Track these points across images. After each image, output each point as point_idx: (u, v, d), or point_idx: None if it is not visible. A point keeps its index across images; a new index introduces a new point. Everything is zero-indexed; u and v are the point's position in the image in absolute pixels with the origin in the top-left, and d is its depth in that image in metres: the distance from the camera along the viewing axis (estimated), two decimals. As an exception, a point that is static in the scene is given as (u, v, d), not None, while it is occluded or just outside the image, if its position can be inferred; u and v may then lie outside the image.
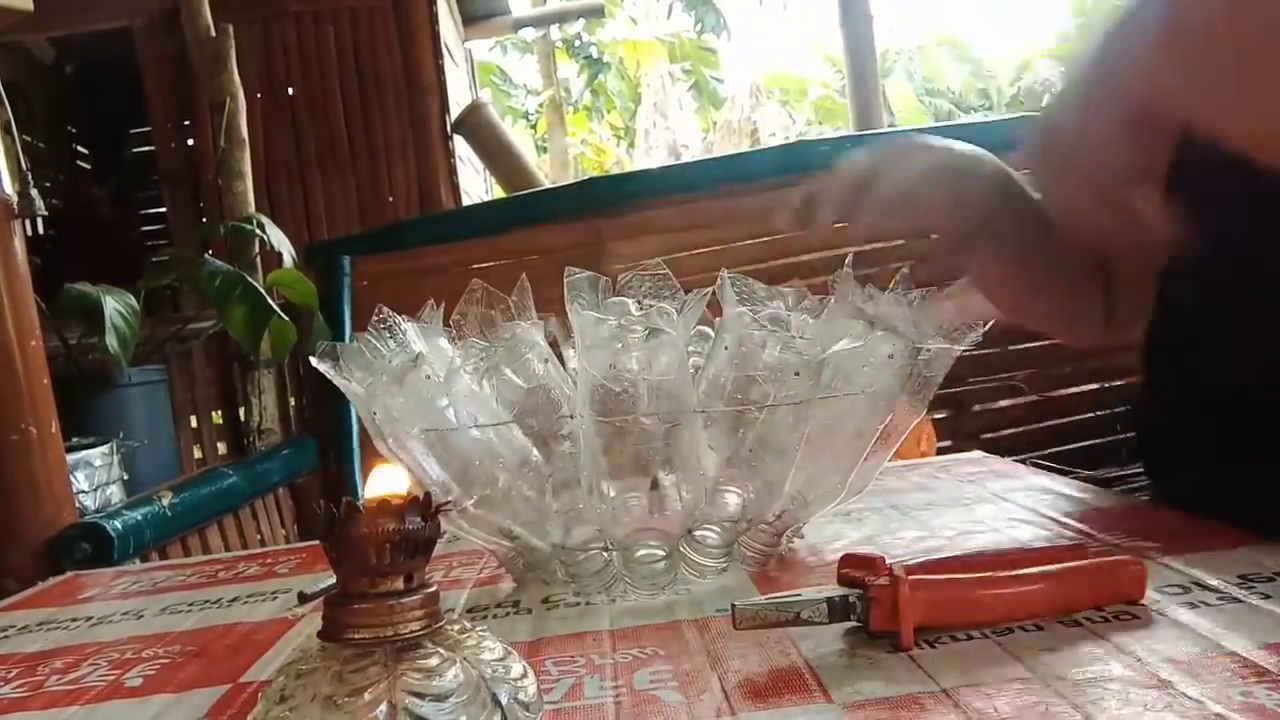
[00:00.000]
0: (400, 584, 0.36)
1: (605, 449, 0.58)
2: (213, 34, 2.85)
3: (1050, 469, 0.88)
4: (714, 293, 0.62)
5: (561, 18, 8.87)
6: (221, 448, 2.87)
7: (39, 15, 1.55)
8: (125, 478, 2.10)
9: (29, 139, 3.91)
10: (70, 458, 1.69)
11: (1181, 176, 0.50)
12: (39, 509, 1.42)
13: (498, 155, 4.34)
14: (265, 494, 2.18)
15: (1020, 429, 2.21)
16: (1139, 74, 0.48)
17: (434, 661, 0.36)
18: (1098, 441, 2.16)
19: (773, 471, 0.60)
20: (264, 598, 0.72)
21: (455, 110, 4.14)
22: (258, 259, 2.67)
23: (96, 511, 1.66)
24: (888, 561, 0.48)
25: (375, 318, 0.64)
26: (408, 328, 0.63)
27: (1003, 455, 0.95)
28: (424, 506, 0.37)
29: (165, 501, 1.61)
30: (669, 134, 12.80)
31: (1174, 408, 0.74)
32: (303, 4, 3.92)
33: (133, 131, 4.81)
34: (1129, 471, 2.01)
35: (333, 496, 0.36)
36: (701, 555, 0.62)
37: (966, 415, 2.25)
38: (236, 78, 2.82)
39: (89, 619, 0.72)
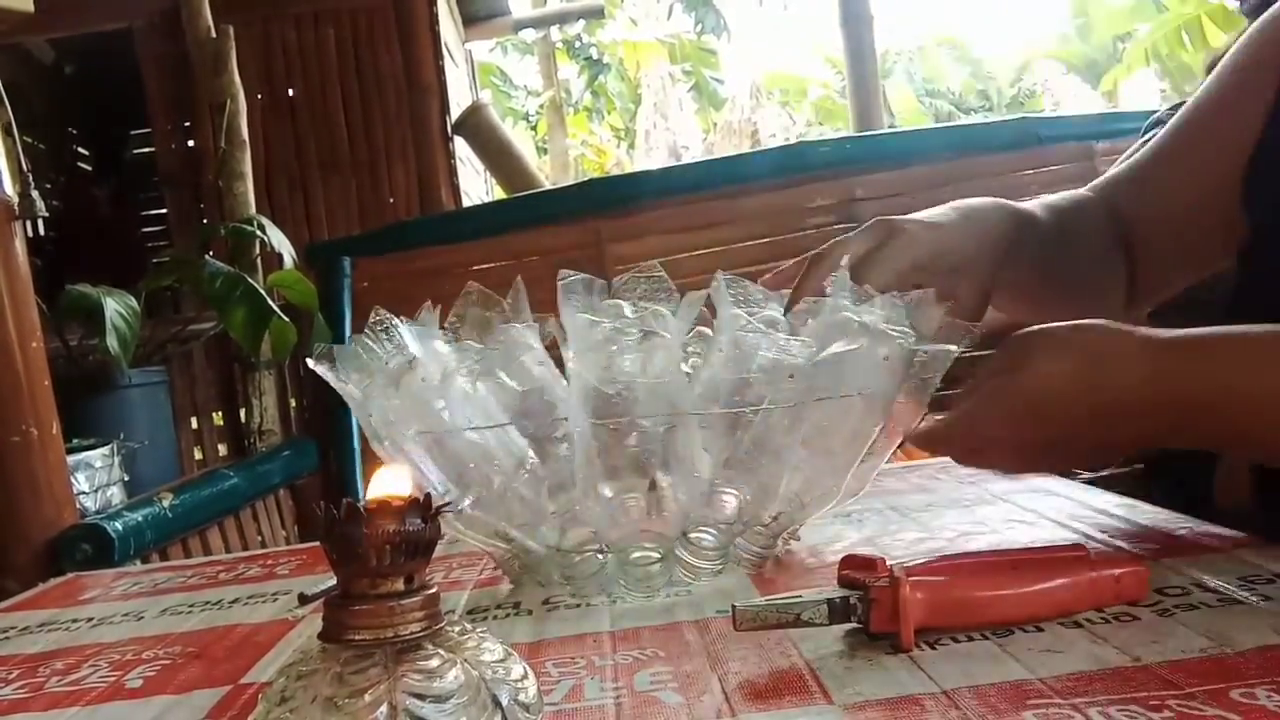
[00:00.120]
0: (400, 585, 0.36)
1: (601, 451, 0.58)
2: (213, 35, 2.85)
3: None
4: (710, 295, 0.62)
5: (562, 19, 8.87)
6: (222, 449, 2.88)
7: (39, 17, 1.55)
8: (126, 479, 2.10)
9: (30, 140, 3.91)
10: (71, 459, 1.69)
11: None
12: (40, 510, 1.42)
13: (498, 156, 4.33)
14: (266, 495, 2.18)
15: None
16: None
17: (434, 663, 0.36)
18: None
19: (768, 473, 0.60)
20: (264, 599, 0.72)
21: (455, 111, 4.14)
22: (258, 260, 2.67)
23: (97, 513, 1.66)
24: (888, 563, 0.48)
25: (372, 319, 0.64)
26: (403, 330, 0.63)
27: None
28: (424, 508, 0.37)
29: (166, 503, 1.61)
30: (669, 135, 12.80)
31: None
32: (303, 5, 3.92)
33: (133, 133, 4.81)
34: (1129, 471, 2.00)
35: (333, 498, 0.36)
36: (697, 557, 0.62)
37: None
38: (237, 79, 2.82)
39: (90, 620, 0.72)
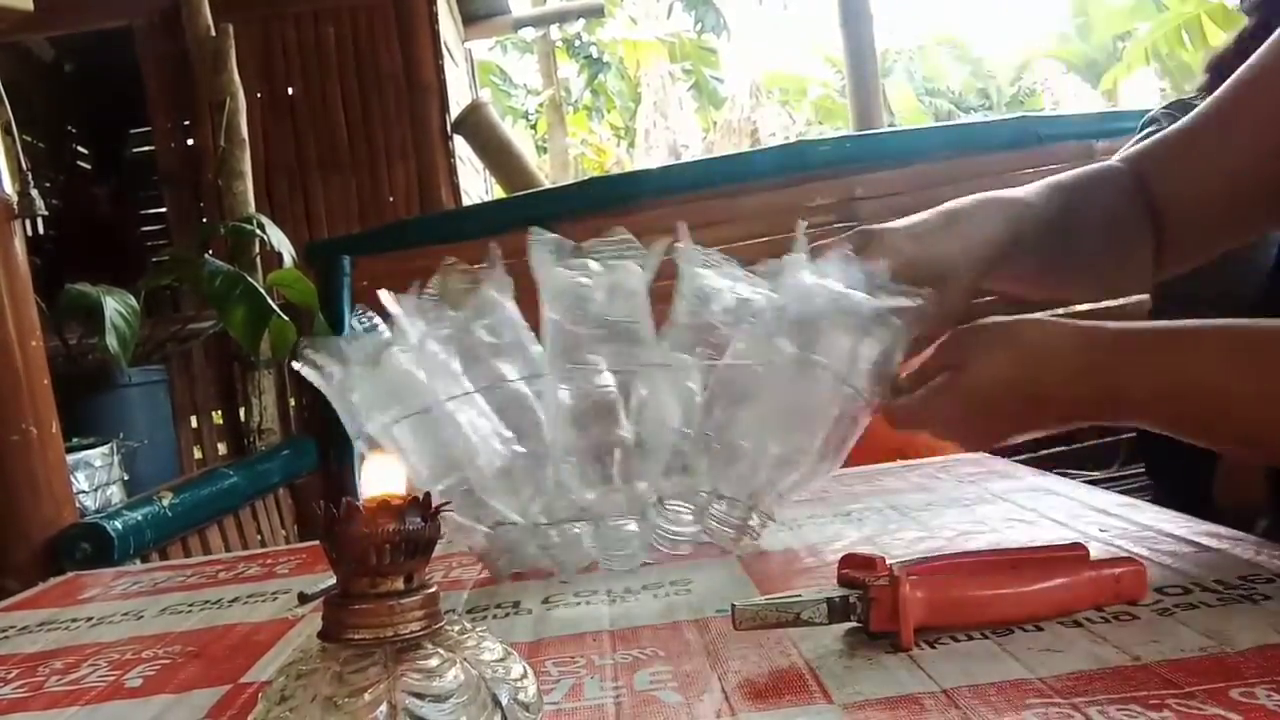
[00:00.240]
0: (400, 584, 0.36)
1: (573, 396, 0.61)
2: (213, 34, 2.85)
3: (1050, 470, 0.88)
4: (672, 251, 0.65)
5: (561, 17, 8.86)
6: (222, 448, 2.87)
7: (39, 15, 1.54)
8: (125, 478, 2.10)
9: (29, 139, 3.91)
10: (70, 458, 1.69)
11: None
12: (39, 509, 1.42)
13: (498, 155, 4.33)
14: (265, 494, 2.17)
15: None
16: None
17: (434, 662, 0.35)
18: (1098, 442, 2.16)
19: (734, 427, 0.62)
20: (264, 598, 0.72)
21: (455, 110, 4.13)
22: (258, 259, 2.67)
23: (97, 512, 1.66)
24: (888, 562, 0.48)
25: (356, 314, 0.66)
26: (384, 299, 0.65)
27: (1003, 456, 0.95)
28: (424, 507, 0.37)
29: (165, 502, 1.61)
30: (669, 134, 12.80)
31: None
32: (303, 4, 3.92)
33: (133, 131, 4.81)
34: (1129, 472, 2.00)
35: (333, 497, 0.36)
36: (672, 523, 0.63)
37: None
38: (236, 77, 2.82)
39: (89, 619, 0.72)
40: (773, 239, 2.48)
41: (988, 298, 0.78)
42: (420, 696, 0.34)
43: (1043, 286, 0.76)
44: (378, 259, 2.61)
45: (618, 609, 0.58)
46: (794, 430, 0.63)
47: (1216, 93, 0.75)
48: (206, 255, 2.54)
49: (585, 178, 10.08)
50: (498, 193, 5.13)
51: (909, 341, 0.63)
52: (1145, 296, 1.38)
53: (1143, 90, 10.55)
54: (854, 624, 0.47)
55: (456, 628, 0.38)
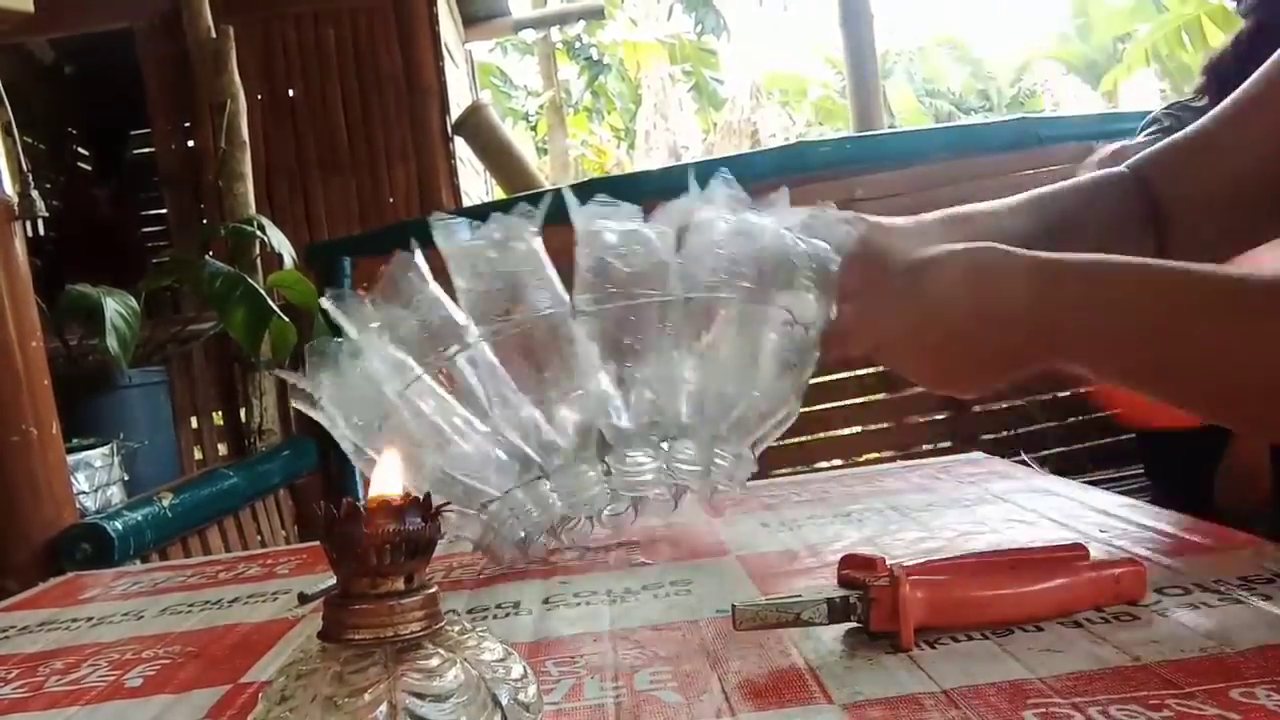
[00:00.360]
0: (400, 584, 0.36)
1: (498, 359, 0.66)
2: (213, 35, 2.85)
3: (1050, 470, 0.88)
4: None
5: (562, 19, 8.87)
6: (222, 448, 2.87)
7: (40, 17, 1.55)
8: (125, 478, 2.10)
9: (30, 140, 3.91)
10: (71, 458, 1.69)
11: None
12: (39, 510, 1.42)
13: (498, 156, 4.33)
14: (265, 495, 2.17)
15: (1021, 430, 2.21)
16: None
17: (434, 662, 0.35)
18: (1098, 442, 2.16)
19: (663, 364, 0.66)
20: (264, 598, 0.72)
21: (455, 111, 4.13)
22: (258, 260, 2.67)
23: (97, 512, 1.66)
24: (888, 562, 0.48)
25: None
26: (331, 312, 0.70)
27: (1003, 456, 0.95)
28: (424, 507, 0.37)
29: (166, 502, 1.61)
30: (669, 135, 12.80)
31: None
32: (303, 5, 3.92)
33: (133, 133, 4.81)
34: (1129, 472, 2.01)
35: (333, 497, 0.36)
36: (631, 465, 0.67)
37: (966, 415, 2.25)
38: (237, 79, 2.82)
39: (89, 619, 0.72)
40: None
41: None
42: (420, 696, 0.34)
43: None
44: (378, 260, 2.60)
45: (618, 609, 0.58)
46: (741, 365, 0.67)
47: (1228, 98, 0.75)
48: (207, 256, 2.54)
49: (585, 179, 10.08)
50: (498, 194, 5.13)
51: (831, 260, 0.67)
52: None
53: (1143, 91, 10.55)
54: (854, 624, 0.47)
55: (456, 628, 0.38)
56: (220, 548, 1.81)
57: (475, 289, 0.66)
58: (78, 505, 1.61)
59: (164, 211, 4.33)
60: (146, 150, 4.51)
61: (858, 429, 2.29)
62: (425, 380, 0.66)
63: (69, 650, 0.64)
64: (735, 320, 0.66)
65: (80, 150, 5.11)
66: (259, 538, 2.05)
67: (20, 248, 1.45)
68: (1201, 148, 0.76)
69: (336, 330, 0.70)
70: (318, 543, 0.40)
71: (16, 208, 1.45)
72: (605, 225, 0.65)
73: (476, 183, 5.06)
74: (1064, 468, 1.93)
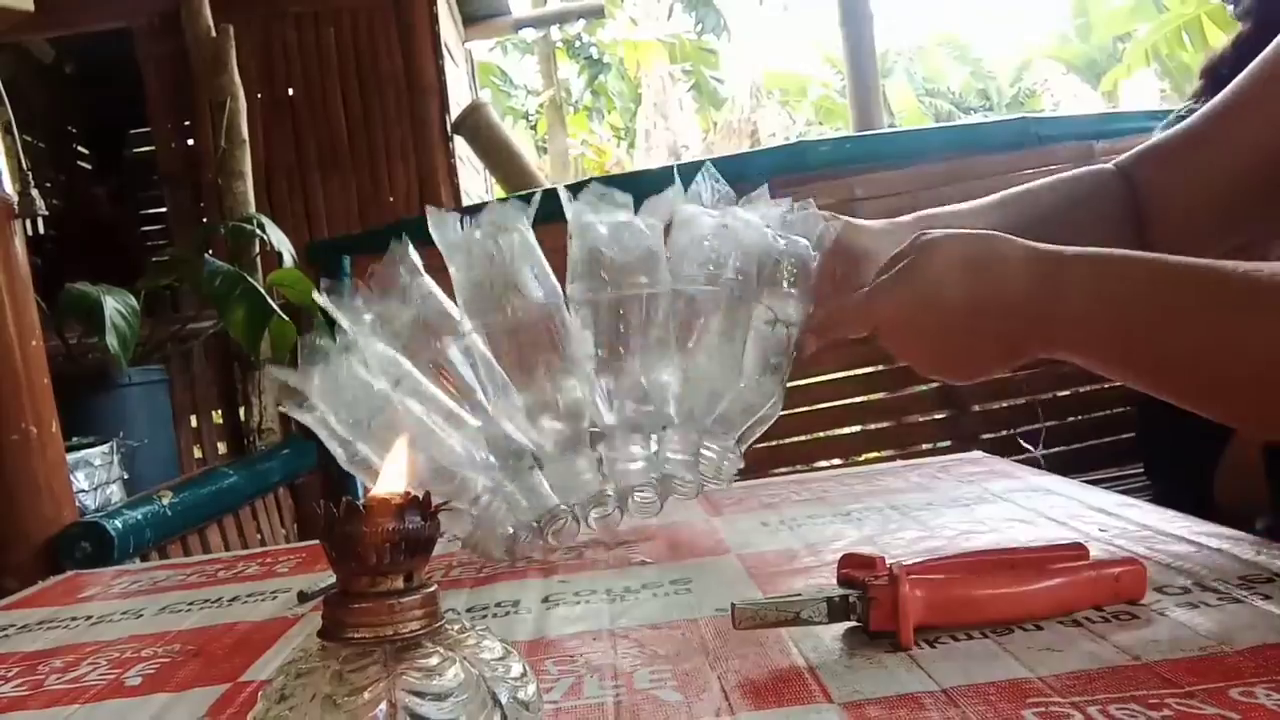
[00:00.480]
0: (400, 583, 0.36)
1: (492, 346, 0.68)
2: (213, 34, 2.85)
3: (1050, 469, 0.88)
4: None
5: (562, 18, 8.86)
6: (221, 447, 2.87)
7: (39, 16, 1.54)
8: (125, 477, 2.10)
9: (29, 139, 3.91)
10: (70, 457, 1.69)
11: None
12: (39, 508, 1.42)
13: (498, 156, 4.33)
14: (265, 494, 2.17)
15: (1021, 429, 2.21)
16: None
17: (434, 661, 0.35)
18: (1098, 442, 2.16)
19: (644, 361, 0.67)
20: (264, 597, 0.72)
21: (455, 111, 4.13)
22: (258, 259, 2.66)
23: (97, 511, 1.66)
24: (887, 561, 0.48)
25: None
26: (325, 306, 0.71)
27: (1003, 456, 0.95)
28: (423, 506, 0.37)
29: (165, 501, 1.61)
30: (669, 135, 12.80)
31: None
32: (303, 4, 3.92)
33: (133, 131, 4.81)
34: (1129, 471, 2.00)
35: (332, 496, 0.36)
36: (621, 453, 0.68)
37: (966, 415, 2.25)
38: (237, 78, 2.82)
39: (89, 618, 0.72)
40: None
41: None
42: (420, 695, 0.34)
43: None
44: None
45: (618, 608, 0.58)
46: (725, 360, 0.68)
47: (1213, 100, 0.75)
48: (206, 255, 2.54)
49: (585, 178, 10.08)
50: (498, 193, 5.13)
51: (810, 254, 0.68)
52: None
53: (1143, 91, 10.55)
54: (854, 623, 0.47)
55: (456, 626, 0.38)
56: (220, 546, 1.81)
57: (470, 278, 0.67)
58: (77, 504, 1.61)
59: (163, 210, 4.33)
60: (146, 149, 4.51)
61: (857, 429, 2.29)
62: (416, 376, 0.67)
63: (68, 649, 0.64)
64: (720, 316, 0.67)
65: (80, 149, 5.11)
66: (259, 536, 2.04)
67: (20, 246, 1.45)
68: (1187, 147, 0.76)
69: (334, 325, 0.70)
70: (317, 541, 0.40)
71: (16, 206, 1.45)
72: (597, 218, 0.67)
73: (476, 182, 5.06)
74: (1064, 467, 1.93)
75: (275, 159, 3.83)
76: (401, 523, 0.36)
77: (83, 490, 1.86)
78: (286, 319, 2.37)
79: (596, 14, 8.10)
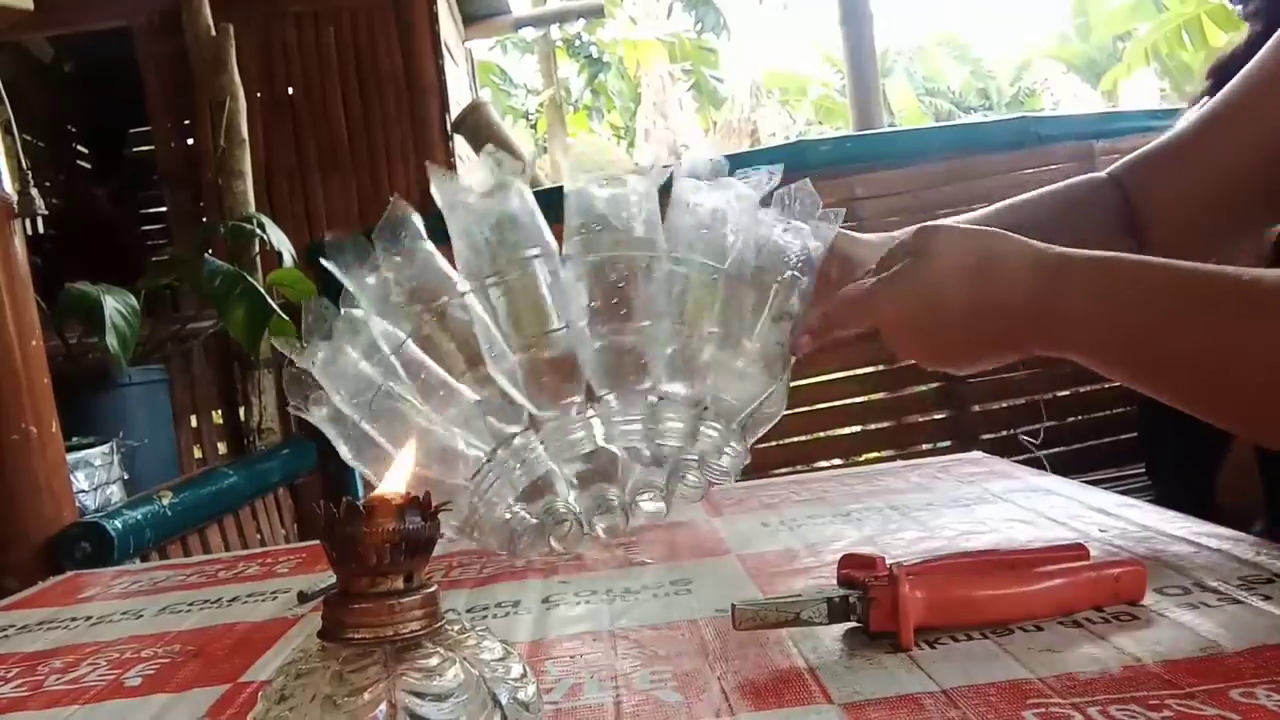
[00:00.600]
0: (400, 584, 0.36)
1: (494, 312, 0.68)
2: (213, 34, 2.85)
3: (1051, 470, 0.88)
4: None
5: (562, 17, 8.86)
6: (221, 447, 2.87)
7: (39, 15, 1.54)
8: (125, 477, 2.10)
9: (29, 138, 3.90)
10: (70, 457, 1.69)
11: None
12: (39, 508, 1.42)
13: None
14: (265, 494, 2.17)
15: (1021, 429, 2.21)
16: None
17: (434, 661, 0.35)
18: (1099, 442, 2.16)
19: (640, 339, 0.68)
20: (264, 597, 0.72)
21: (455, 110, 4.13)
22: (258, 258, 2.66)
23: (96, 511, 1.66)
24: (887, 562, 0.48)
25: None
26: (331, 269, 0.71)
27: (1003, 456, 0.95)
28: (424, 506, 0.37)
29: (165, 501, 1.61)
30: (669, 134, 12.80)
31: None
32: (303, 4, 3.91)
33: (133, 131, 4.80)
34: (1129, 471, 2.00)
35: (333, 496, 0.36)
36: (621, 421, 0.69)
37: (966, 415, 2.25)
38: (237, 78, 2.82)
39: (89, 618, 0.72)
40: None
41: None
42: (420, 695, 0.34)
43: None
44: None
45: (618, 608, 0.58)
46: (724, 335, 0.68)
47: (1208, 104, 0.75)
48: (206, 255, 2.54)
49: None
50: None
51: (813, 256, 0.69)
52: None
53: (1143, 91, 10.55)
54: (854, 624, 0.47)
55: (456, 627, 0.38)
56: (220, 546, 1.81)
57: (469, 238, 0.68)
58: (77, 504, 1.61)
59: (163, 210, 4.32)
60: (146, 148, 4.51)
61: (858, 429, 2.29)
62: (411, 347, 0.67)
63: (68, 649, 0.64)
64: (718, 298, 0.68)
65: (80, 148, 5.11)
66: (259, 537, 2.05)
67: (20, 246, 1.45)
68: (1181, 153, 0.76)
69: (338, 297, 0.71)
70: (317, 542, 0.40)
71: (16, 206, 1.45)
72: (593, 183, 0.68)
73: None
74: (1065, 467, 1.93)
75: (275, 159, 3.83)
76: (402, 523, 0.36)
77: (83, 490, 1.86)
78: (286, 319, 2.37)
79: (596, 13, 8.09)
